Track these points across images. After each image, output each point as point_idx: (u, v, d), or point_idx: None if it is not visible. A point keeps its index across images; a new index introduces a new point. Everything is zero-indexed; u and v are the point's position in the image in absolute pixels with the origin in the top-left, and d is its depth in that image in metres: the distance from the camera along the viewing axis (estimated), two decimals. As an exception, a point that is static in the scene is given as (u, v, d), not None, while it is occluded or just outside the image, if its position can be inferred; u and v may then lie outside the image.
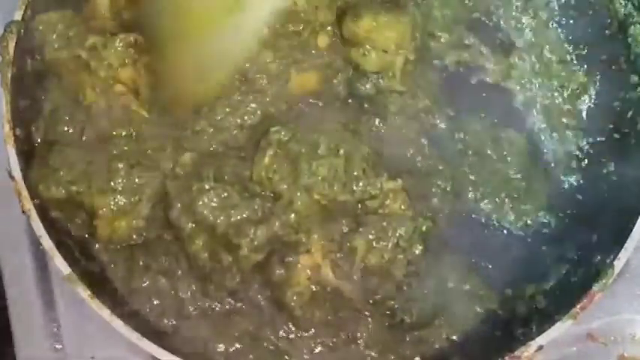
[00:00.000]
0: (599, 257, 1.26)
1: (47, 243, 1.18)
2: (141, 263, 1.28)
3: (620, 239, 1.23)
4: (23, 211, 1.19)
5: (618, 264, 1.22)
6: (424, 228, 1.30)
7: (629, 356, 1.34)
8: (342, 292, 1.28)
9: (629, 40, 1.36)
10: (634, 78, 1.36)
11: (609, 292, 1.22)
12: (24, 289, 1.37)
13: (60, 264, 1.18)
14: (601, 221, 1.32)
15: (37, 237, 1.19)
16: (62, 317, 1.37)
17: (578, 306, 1.19)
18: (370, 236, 1.28)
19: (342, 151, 1.29)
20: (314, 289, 1.27)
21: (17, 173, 1.20)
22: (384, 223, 1.28)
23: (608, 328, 1.34)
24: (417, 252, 1.30)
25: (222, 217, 1.26)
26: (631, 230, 1.23)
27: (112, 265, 1.29)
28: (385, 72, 1.36)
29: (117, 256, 1.30)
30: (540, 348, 1.18)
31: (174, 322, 1.28)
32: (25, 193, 1.19)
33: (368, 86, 1.37)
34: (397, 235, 1.28)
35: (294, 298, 1.26)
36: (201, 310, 1.29)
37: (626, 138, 1.36)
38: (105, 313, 1.17)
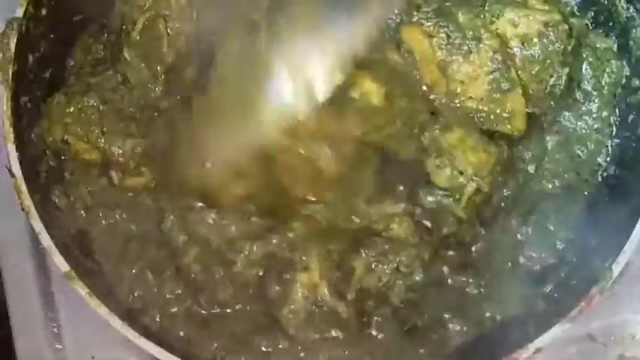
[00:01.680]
0: (597, 260, 1.25)
1: (46, 240, 1.19)
2: (133, 251, 1.29)
3: (619, 243, 1.22)
4: (22, 209, 1.20)
5: (617, 267, 1.21)
6: (426, 257, 1.29)
7: (629, 356, 1.33)
8: (339, 313, 1.27)
9: (631, 43, 1.35)
10: (635, 82, 1.35)
11: (609, 292, 1.21)
12: (24, 289, 1.37)
13: (59, 261, 1.18)
14: (600, 224, 1.32)
15: (37, 234, 1.19)
16: (62, 317, 1.36)
17: (577, 309, 1.19)
18: (370, 258, 1.26)
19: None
20: (310, 309, 1.26)
21: (17, 170, 1.20)
22: (386, 247, 1.27)
23: (608, 328, 1.34)
24: (417, 279, 1.28)
25: (215, 235, 1.27)
26: (630, 234, 1.22)
27: (107, 254, 1.30)
28: (452, 193, 1.31)
29: (112, 244, 1.30)
30: (538, 351, 1.18)
31: (158, 319, 1.27)
32: (24, 190, 1.19)
33: (430, 199, 1.31)
34: (397, 260, 1.27)
35: (289, 316, 1.25)
36: (188, 311, 1.28)
37: (627, 142, 1.36)
38: (103, 310, 1.17)
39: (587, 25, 1.39)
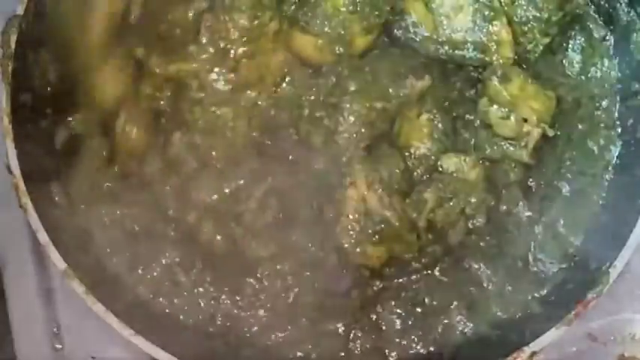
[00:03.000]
0: (595, 264, 1.26)
1: (43, 237, 1.19)
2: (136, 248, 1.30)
3: (616, 246, 1.22)
4: (20, 206, 1.20)
5: (614, 271, 1.21)
6: (492, 203, 1.32)
7: (629, 356, 1.33)
8: (390, 221, 1.29)
9: (632, 47, 1.35)
10: (635, 85, 1.35)
11: (609, 292, 1.21)
12: (24, 289, 1.38)
13: (56, 259, 1.19)
14: (598, 228, 1.32)
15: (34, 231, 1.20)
16: (62, 317, 1.38)
17: (573, 312, 1.19)
18: (442, 194, 1.30)
19: None
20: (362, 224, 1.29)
21: (15, 167, 1.20)
22: (458, 186, 1.30)
23: (608, 328, 1.33)
24: (478, 223, 1.32)
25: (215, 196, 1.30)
26: (628, 238, 1.22)
27: (108, 251, 1.30)
28: (518, 141, 1.32)
29: (114, 241, 1.30)
30: (534, 354, 1.18)
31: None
32: (22, 187, 1.20)
33: (495, 148, 1.33)
34: (466, 200, 1.30)
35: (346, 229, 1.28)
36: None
37: (626, 146, 1.36)
38: (99, 308, 1.18)
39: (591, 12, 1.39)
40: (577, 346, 1.32)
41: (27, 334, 1.37)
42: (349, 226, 1.28)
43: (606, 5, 1.37)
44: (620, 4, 1.35)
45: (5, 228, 1.38)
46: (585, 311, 1.19)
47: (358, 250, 1.29)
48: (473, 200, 1.31)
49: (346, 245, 1.29)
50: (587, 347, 1.33)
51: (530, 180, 1.35)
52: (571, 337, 1.31)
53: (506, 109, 1.31)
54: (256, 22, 1.32)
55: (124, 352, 1.31)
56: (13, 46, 1.22)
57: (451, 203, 1.30)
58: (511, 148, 1.33)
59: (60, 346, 1.37)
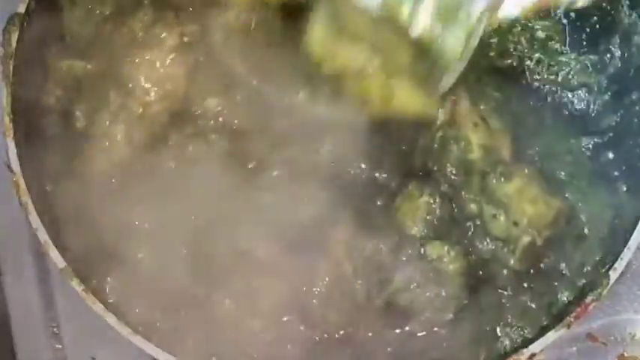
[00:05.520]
0: (594, 266, 1.25)
1: (43, 236, 1.19)
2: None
3: (616, 249, 1.22)
4: (20, 204, 1.20)
5: (614, 273, 1.20)
6: (465, 302, 1.25)
7: (629, 356, 1.33)
8: (356, 293, 1.25)
9: (633, 49, 1.34)
10: (636, 94, 1.34)
11: (609, 292, 1.20)
12: (24, 288, 1.38)
13: (55, 257, 1.19)
14: (597, 230, 1.30)
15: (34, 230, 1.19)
16: (62, 317, 1.38)
17: (572, 315, 1.18)
18: (413, 280, 1.23)
19: None
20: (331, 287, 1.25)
21: (16, 166, 1.20)
22: (432, 275, 1.23)
23: (608, 328, 1.33)
24: (445, 318, 1.24)
25: None
26: (628, 240, 1.21)
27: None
28: (506, 243, 1.25)
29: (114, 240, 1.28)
30: (533, 355, 1.17)
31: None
32: (23, 185, 1.20)
33: (485, 248, 1.26)
34: (437, 292, 1.23)
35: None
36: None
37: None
38: (99, 307, 1.17)
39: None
40: (577, 346, 1.32)
41: (27, 334, 1.37)
42: (319, 284, 1.24)
43: (608, 7, 1.37)
44: (622, 6, 1.35)
45: (5, 227, 1.39)
46: (585, 314, 1.18)
47: (321, 313, 1.24)
48: (443, 294, 1.23)
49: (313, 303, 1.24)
50: (587, 347, 1.33)
51: (524, 285, 1.27)
52: (571, 337, 1.31)
53: (499, 208, 1.24)
54: None
55: (124, 352, 1.31)
56: (14, 44, 1.23)
57: (418, 290, 1.23)
58: (499, 252, 1.25)
59: (60, 346, 1.37)
